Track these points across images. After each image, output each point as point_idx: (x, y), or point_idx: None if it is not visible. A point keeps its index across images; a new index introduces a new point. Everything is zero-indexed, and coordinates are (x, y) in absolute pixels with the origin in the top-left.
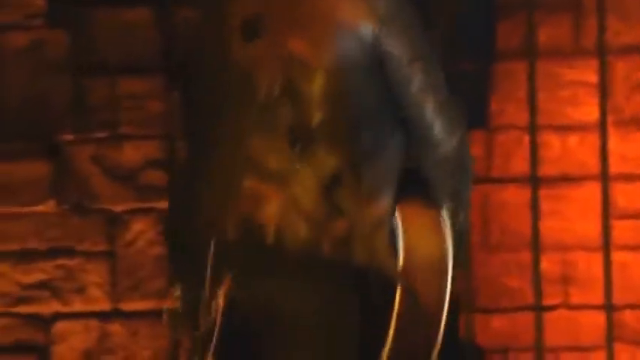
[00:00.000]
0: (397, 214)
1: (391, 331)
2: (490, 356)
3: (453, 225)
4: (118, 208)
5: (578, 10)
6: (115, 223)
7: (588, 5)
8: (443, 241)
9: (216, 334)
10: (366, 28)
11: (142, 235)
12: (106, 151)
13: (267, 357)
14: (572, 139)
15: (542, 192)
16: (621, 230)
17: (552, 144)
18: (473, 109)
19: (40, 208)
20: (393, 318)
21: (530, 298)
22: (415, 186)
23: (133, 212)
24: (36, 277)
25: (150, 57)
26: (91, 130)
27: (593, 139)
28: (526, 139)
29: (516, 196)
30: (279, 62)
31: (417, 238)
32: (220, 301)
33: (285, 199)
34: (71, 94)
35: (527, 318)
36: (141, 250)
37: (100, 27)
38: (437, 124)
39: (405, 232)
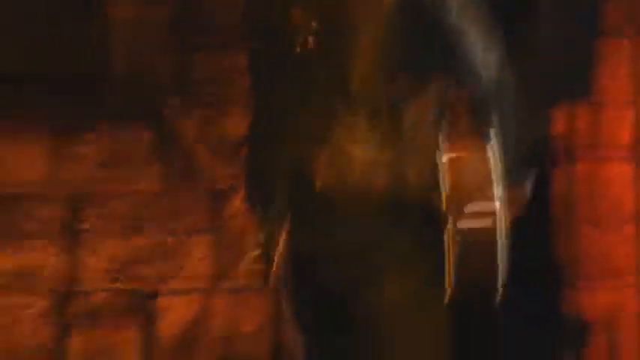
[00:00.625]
0: (442, 144)
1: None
2: (594, 331)
3: (510, 140)
4: (221, 183)
5: None
6: (218, 197)
7: None
8: (487, 169)
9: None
10: None
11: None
12: (210, 125)
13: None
14: None
15: None
16: None
17: None
18: (579, 82)
19: (143, 182)
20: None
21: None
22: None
23: (236, 187)
24: (140, 245)
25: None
26: (195, 104)
27: None
28: (631, 114)
29: (622, 172)
30: None
31: (461, 168)
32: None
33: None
34: (177, 67)
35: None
36: (243, 223)
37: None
38: (477, 51)
39: (448, 162)
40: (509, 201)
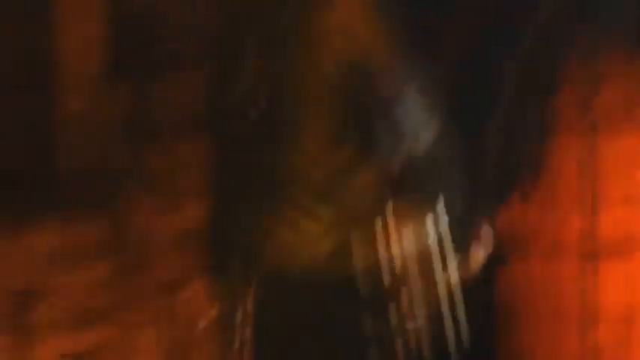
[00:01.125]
0: (387, 214)
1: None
2: None
3: (451, 212)
4: (174, 271)
5: None
6: (170, 285)
7: None
8: (427, 233)
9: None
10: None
11: (197, 296)
12: (164, 214)
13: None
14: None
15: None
16: None
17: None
18: (527, 177)
19: (98, 269)
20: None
21: None
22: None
23: (189, 275)
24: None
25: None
26: (149, 193)
27: None
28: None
29: (567, 268)
30: None
31: (405, 234)
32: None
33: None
34: (131, 157)
35: None
36: (193, 314)
37: (158, 89)
38: (413, 117)
39: (393, 236)
40: (455, 274)
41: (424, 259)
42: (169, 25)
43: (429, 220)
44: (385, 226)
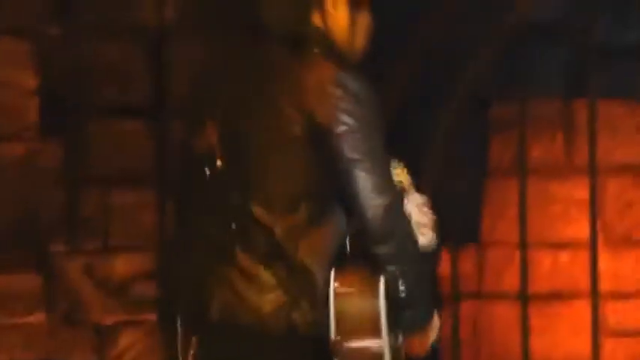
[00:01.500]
0: (333, 281)
1: None
2: None
3: (394, 289)
4: (108, 321)
5: (570, 127)
6: (104, 335)
7: (580, 123)
8: (374, 304)
9: None
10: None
11: (132, 347)
12: (97, 263)
13: None
14: (564, 257)
15: (533, 309)
16: (611, 349)
17: (543, 261)
18: (465, 225)
19: (30, 319)
20: None
21: None
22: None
23: (123, 325)
24: None
25: (142, 169)
26: (82, 242)
27: (584, 256)
28: (517, 256)
29: (507, 313)
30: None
31: (349, 304)
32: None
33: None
34: (64, 205)
35: None
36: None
37: (93, 138)
38: (366, 190)
39: (337, 297)
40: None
41: (369, 318)
42: (107, 75)
43: (377, 283)
44: (330, 286)
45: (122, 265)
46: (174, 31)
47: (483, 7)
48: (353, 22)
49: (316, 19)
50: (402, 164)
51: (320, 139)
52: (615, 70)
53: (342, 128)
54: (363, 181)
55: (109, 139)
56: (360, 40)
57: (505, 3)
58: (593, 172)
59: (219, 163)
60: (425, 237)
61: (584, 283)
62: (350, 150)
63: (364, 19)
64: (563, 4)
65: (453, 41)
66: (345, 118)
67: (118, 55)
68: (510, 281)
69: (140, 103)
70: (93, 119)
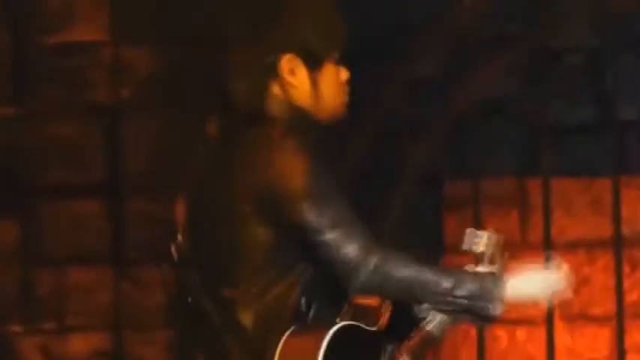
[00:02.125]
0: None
1: None
2: None
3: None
4: None
5: (524, 205)
6: None
7: (535, 201)
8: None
9: None
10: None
11: None
12: (53, 343)
13: None
14: (520, 333)
15: None
16: None
17: (500, 337)
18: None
19: None
20: None
21: None
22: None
23: None
24: None
25: (98, 248)
26: (37, 322)
27: (541, 333)
28: (473, 331)
29: None
30: None
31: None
32: None
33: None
34: (19, 285)
35: None
36: None
37: (48, 218)
38: (347, 257)
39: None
40: None
41: None
42: (63, 154)
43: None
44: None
45: (78, 345)
46: (129, 110)
47: (436, 87)
48: (314, 83)
49: (275, 89)
50: (489, 234)
51: (277, 215)
52: (567, 148)
53: (301, 204)
54: (335, 251)
55: (64, 219)
56: (330, 97)
57: (457, 83)
58: (547, 248)
59: (180, 238)
60: None
61: (541, 359)
62: (315, 222)
63: (329, 76)
64: (515, 84)
65: (405, 120)
66: (303, 193)
67: (73, 135)
68: (467, 358)
69: (96, 182)
70: (48, 199)
